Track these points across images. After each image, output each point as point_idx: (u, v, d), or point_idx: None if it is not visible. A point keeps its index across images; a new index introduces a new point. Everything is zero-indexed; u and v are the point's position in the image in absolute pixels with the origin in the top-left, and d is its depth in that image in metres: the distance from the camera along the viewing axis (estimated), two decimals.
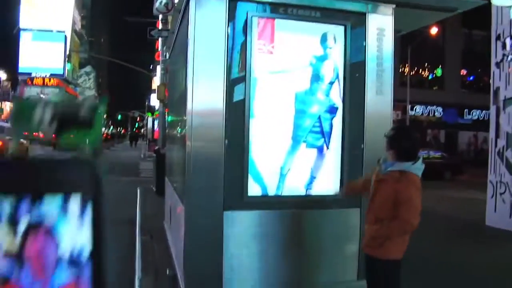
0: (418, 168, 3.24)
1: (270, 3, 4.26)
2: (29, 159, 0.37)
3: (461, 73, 34.74)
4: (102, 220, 0.35)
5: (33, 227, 0.34)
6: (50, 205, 0.34)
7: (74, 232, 0.34)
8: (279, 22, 4.28)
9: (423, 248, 6.71)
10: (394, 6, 4.56)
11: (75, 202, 0.33)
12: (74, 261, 0.35)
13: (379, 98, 4.53)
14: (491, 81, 10.20)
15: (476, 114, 33.95)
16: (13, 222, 0.35)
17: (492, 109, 10.06)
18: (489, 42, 10.34)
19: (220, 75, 4.09)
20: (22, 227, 0.35)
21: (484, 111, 30.40)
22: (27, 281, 0.35)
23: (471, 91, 34.08)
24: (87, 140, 0.43)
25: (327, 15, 4.41)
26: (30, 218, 0.34)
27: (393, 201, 3.18)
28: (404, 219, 3.12)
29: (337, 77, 4.43)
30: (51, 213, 0.33)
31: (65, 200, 0.34)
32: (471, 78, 35.32)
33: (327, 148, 4.43)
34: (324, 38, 4.41)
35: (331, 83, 4.41)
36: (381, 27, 4.54)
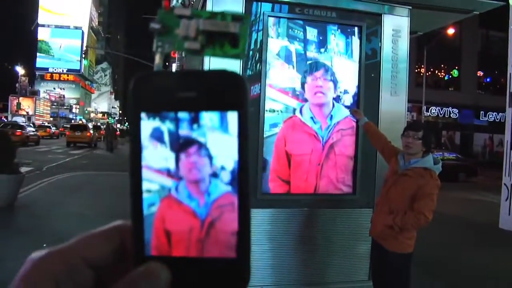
0: (438, 168, 3.37)
1: (286, 3, 4.29)
2: (186, 73, 0.38)
3: (478, 75, 34.38)
4: (248, 135, 0.38)
5: (190, 143, 0.38)
6: (207, 120, 0.38)
7: (226, 147, 0.38)
8: (295, 22, 4.32)
9: (435, 249, 6.71)
10: (410, 7, 4.56)
11: (229, 117, 0.37)
12: (226, 176, 0.39)
13: (393, 99, 4.54)
14: (507, 83, 10.11)
15: (492, 116, 33.57)
16: (173, 138, 0.39)
17: (508, 111, 9.97)
18: (507, 43, 10.25)
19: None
20: (181, 143, 0.39)
21: (500, 113, 30.05)
22: (184, 195, 0.40)
23: (488, 93, 33.76)
24: (232, 54, 0.44)
25: (343, 16, 4.43)
26: (188, 133, 0.38)
27: (413, 195, 3.27)
28: (421, 212, 3.21)
29: (352, 76, 4.45)
30: (207, 128, 0.37)
31: (220, 115, 0.37)
32: (487, 79, 34.95)
33: (341, 146, 4.44)
34: (340, 38, 4.43)
35: (346, 83, 4.43)
36: (396, 28, 4.54)
